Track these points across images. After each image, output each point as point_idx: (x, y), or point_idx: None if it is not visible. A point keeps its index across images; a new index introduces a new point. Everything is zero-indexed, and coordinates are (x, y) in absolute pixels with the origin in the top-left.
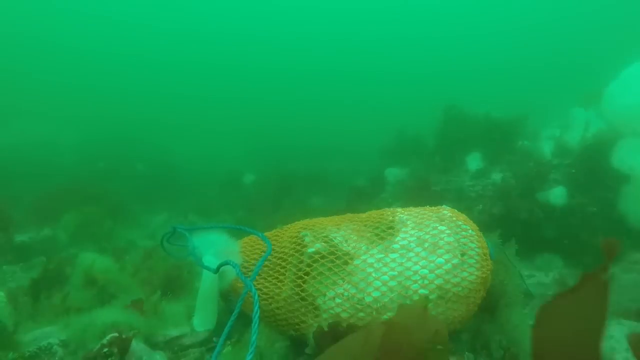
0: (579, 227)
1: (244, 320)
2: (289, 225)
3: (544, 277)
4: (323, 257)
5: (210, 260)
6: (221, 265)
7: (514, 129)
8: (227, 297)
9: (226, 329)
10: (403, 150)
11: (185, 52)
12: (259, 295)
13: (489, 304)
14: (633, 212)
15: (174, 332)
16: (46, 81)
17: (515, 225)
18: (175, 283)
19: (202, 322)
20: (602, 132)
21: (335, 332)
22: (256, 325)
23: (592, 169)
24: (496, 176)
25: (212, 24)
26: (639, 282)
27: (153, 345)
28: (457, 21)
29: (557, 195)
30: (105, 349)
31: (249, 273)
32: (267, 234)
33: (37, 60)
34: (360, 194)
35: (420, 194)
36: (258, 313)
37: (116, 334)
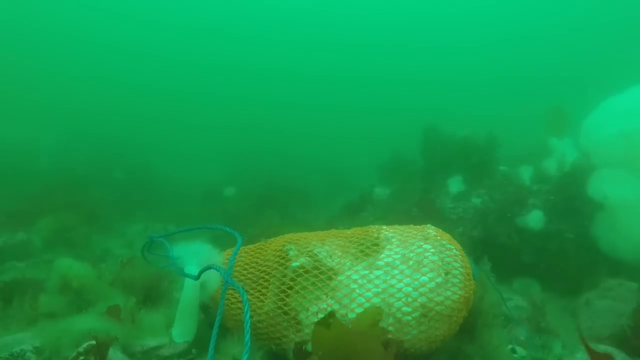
0: (556, 253)
1: (221, 331)
2: (273, 239)
3: (521, 300)
4: (307, 271)
5: (193, 270)
6: (203, 270)
7: (493, 153)
8: (207, 310)
9: (214, 330)
10: (390, 170)
11: (168, 56)
12: (240, 308)
13: (470, 324)
14: (607, 240)
15: (151, 342)
16: (22, 83)
17: (494, 248)
18: (154, 292)
19: (181, 333)
20: (579, 162)
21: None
22: (248, 324)
23: (570, 196)
24: (476, 200)
25: (198, 25)
26: (613, 308)
27: (130, 355)
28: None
29: (534, 219)
30: (82, 357)
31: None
32: (250, 246)
33: (13, 61)
34: (344, 211)
35: (403, 214)
36: (249, 313)
37: (93, 342)
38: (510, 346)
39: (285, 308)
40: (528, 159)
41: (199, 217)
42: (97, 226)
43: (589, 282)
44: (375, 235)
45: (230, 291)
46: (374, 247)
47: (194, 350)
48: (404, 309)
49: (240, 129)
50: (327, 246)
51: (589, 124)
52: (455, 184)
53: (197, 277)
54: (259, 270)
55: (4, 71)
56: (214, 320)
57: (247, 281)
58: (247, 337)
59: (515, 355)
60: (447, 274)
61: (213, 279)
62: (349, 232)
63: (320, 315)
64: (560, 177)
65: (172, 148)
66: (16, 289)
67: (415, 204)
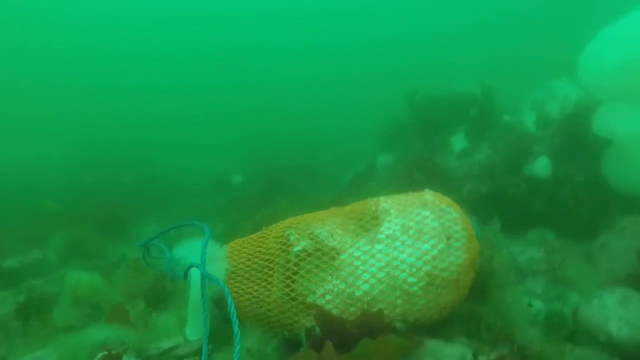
0: (567, 198)
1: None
2: (273, 225)
3: (536, 252)
4: (310, 254)
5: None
6: (188, 269)
7: (492, 103)
8: (220, 303)
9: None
10: (389, 136)
11: (164, 46)
12: (248, 299)
13: (480, 286)
14: (617, 177)
15: (166, 343)
16: (21, 100)
17: (504, 202)
18: (161, 293)
19: (194, 330)
20: (582, 100)
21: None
22: (234, 315)
23: (575, 137)
24: (481, 154)
25: (194, 9)
26: (629, 248)
27: (146, 358)
28: None
29: (541, 166)
30: None
31: (239, 278)
32: (252, 236)
33: (17, 77)
34: (351, 184)
35: (408, 180)
36: (233, 304)
37: (106, 352)
38: (527, 300)
39: (293, 294)
40: (531, 105)
41: (208, 208)
42: (112, 233)
43: (604, 223)
44: (374, 208)
45: (237, 284)
46: (374, 221)
47: (209, 347)
48: (410, 279)
49: (240, 113)
50: (327, 226)
51: (586, 56)
52: (458, 142)
53: (185, 277)
54: (262, 259)
55: (6, 90)
56: (227, 314)
57: (253, 271)
58: (236, 329)
59: (532, 309)
60: (448, 238)
61: (220, 272)
62: (347, 208)
63: (328, 297)
64: (563, 119)
65: (175, 141)
66: (32, 306)
67: (418, 167)
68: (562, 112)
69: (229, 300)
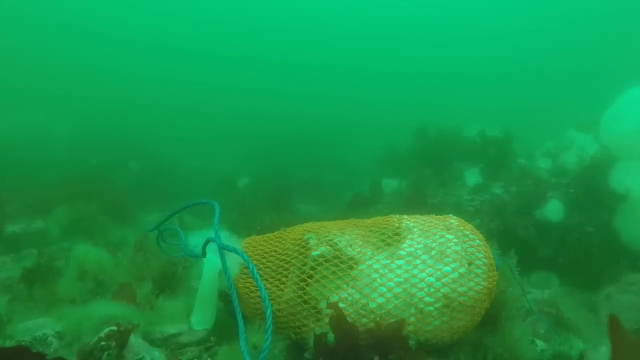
0: (575, 247)
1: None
2: (292, 228)
3: (540, 294)
4: (327, 260)
5: (211, 258)
6: (206, 243)
7: (511, 146)
8: (226, 299)
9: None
10: (397, 162)
11: (184, 48)
12: (259, 296)
13: (492, 316)
14: (629, 233)
15: (170, 329)
16: (37, 73)
17: (511, 241)
18: (171, 279)
19: (200, 321)
20: (600, 154)
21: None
22: (265, 294)
23: (590, 189)
24: (493, 193)
25: (214, 16)
26: (635, 303)
27: (149, 341)
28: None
29: (553, 209)
30: (103, 343)
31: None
32: (269, 235)
33: (28, 52)
34: (356, 202)
35: (418, 206)
36: (255, 269)
37: (114, 328)
38: (530, 339)
39: (306, 297)
40: (547, 152)
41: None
42: (113, 216)
43: (610, 276)
44: (397, 224)
45: (249, 279)
46: (396, 237)
47: (212, 338)
48: (427, 299)
49: (253, 120)
50: (347, 235)
51: (608, 116)
52: (472, 177)
53: (203, 253)
54: (278, 259)
55: (20, 62)
56: (233, 309)
57: (267, 269)
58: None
59: (537, 348)
60: (470, 264)
61: (231, 267)
62: (369, 221)
63: (341, 305)
64: (580, 170)
65: (186, 139)
66: (37, 274)
67: (430, 196)
68: (579, 163)
69: (251, 267)
